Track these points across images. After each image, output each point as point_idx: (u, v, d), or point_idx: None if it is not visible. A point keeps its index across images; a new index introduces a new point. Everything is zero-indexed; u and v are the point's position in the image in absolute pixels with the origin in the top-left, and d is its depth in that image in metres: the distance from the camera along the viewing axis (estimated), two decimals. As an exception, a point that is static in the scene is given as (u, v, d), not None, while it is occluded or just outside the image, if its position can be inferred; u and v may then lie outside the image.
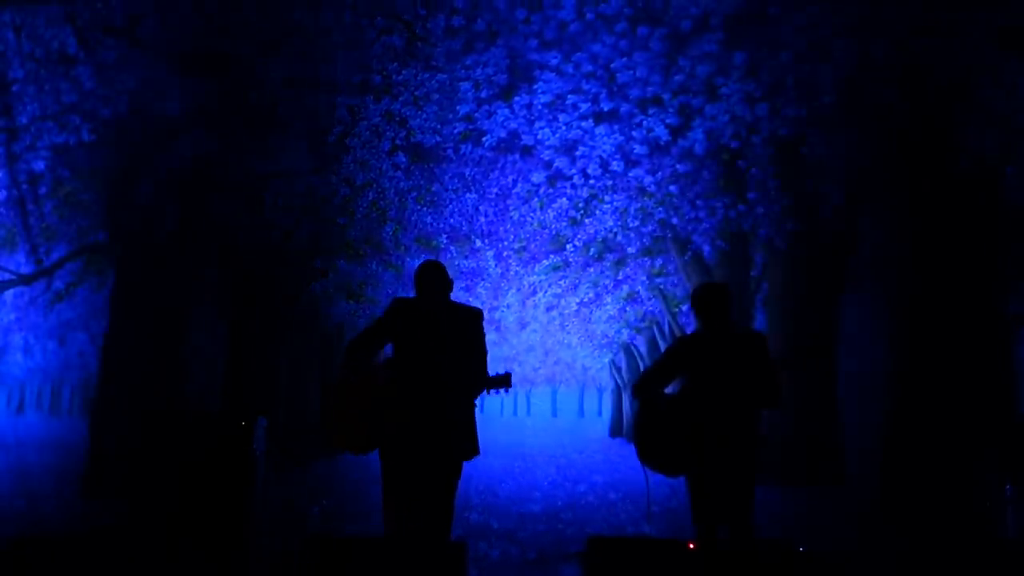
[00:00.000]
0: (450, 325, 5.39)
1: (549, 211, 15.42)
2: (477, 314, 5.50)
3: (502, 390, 5.38)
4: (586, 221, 15.70)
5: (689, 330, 5.11)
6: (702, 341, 5.42)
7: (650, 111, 11.81)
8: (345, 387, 5.31)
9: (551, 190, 14.46)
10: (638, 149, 12.33)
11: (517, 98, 12.23)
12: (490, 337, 5.55)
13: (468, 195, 15.58)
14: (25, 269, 14.63)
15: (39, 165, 12.39)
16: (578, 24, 11.66)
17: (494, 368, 5.42)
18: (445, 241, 17.65)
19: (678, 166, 13.05)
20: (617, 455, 22.40)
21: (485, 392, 5.39)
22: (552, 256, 19.67)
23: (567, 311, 23.13)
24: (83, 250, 14.59)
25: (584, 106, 12.12)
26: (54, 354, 28.72)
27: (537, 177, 14.13)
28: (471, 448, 5.34)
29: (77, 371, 30.20)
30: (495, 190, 15.48)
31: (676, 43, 11.13)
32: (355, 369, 5.34)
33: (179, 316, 13.59)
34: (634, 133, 12.06)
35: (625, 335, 25.30)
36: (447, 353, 5.30)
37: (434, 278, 5.43)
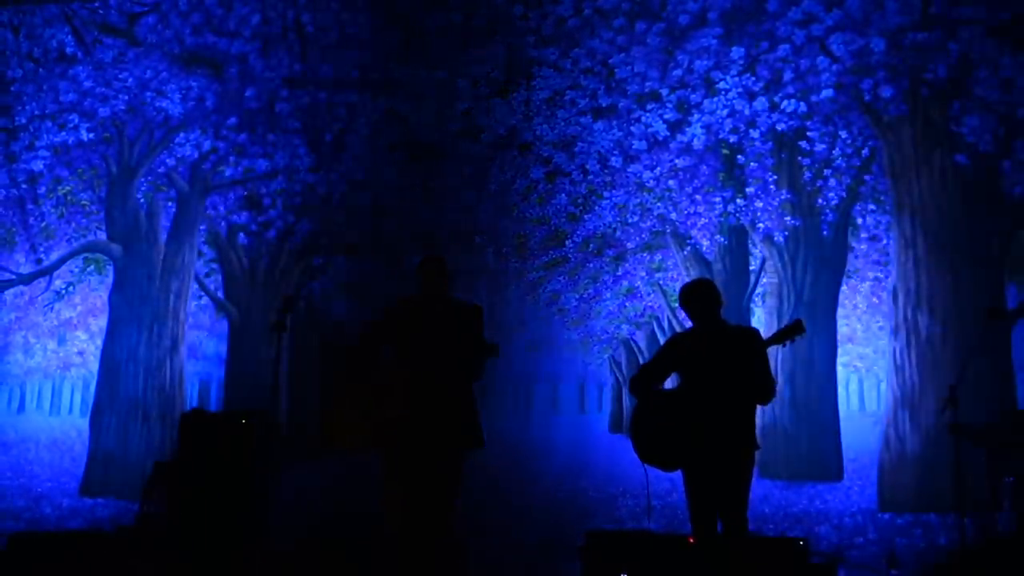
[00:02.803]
0: (450, 321, 5.39)
1: (548, 207, 15.40)
2: (477, 310, 5.51)
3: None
4: (585, 217, 15.68)
5: (689, 325, 5.12)
6: (695, 337, 5.41)
7: (648, 106, 11.80)
8: (344, 387, 5.32)
9: (550, 186, 14.45)
10: (636, 144, 12.32)
11: (515, 94, 12.23)
12: (490, 333, 5.52)
13: (467, 191, 15.56)
14: (24, 269, 14.61)
15: (38, 165, 12.38)
16: (576, 20, 11.67)
17: (492, 363, 5.42)
18: (445, 238, 17.63)
19: (677, 161, 13.04)
20: (617, 450, 22.39)
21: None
22: (551, 252, 19.65)
23: (566, 307, 23.11)
24: (82, 249, 14.57)
25: (582, 102, 12.12)
26: (54, 353, 28.69)
27: (536, 173, 14.11)
28: (475, 439, 5.33)
29: (77, 370, 30.16)
30: (494, 186, 15.47)
31: (674, 38, 11.13)
32: (352, 373, 5.36)
33: (178, 315, 13.60)
34: (632, 128, 12.06)
35: (624, 331, 25.27)
36: (447, 348, 5.29)
37: (434, 272, 5.44)
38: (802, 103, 10.93)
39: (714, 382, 5.21)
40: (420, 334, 5.33)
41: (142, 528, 5.86)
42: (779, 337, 5.28)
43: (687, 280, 6.74)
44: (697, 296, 5.46)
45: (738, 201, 13.57)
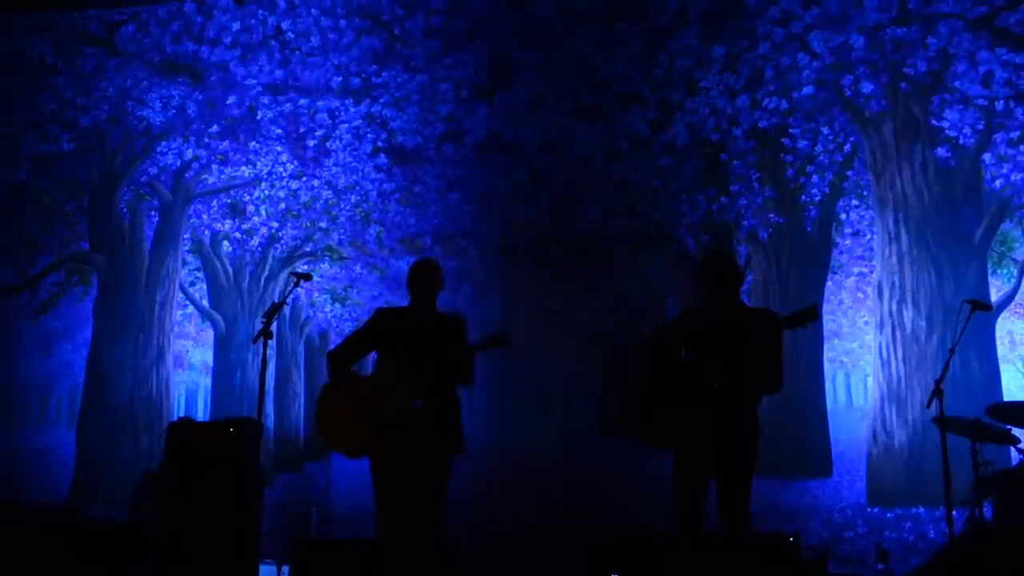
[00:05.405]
0: (434, 334, 5.38)
1: (532, 209, 15.41)
2: (460, 321, 5.50)
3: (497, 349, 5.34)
4: (569, 219, 15.70)
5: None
6: (707, 314, 5.10)
7: (631, 106, 11.83)
8: (333, 392, 5.33)
9: (533, 188, 14.46)
10: (619, 145, 12.34)
11: (498, 97, 12.23)
12: (477, 336, 5.52)
13: (451, 195, 15.54)
14: (8, 280, 14.53)
15: (20, 176, 12.33)
16: (557, 22, 11.68)
17: (478, 368, 5.41)
18: (429, 242, 17.62)
19: (660, 161, 13.08)
20: (606, 451, 22.41)
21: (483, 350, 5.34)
22: (536, 255, 19.64)
23: (553, 309, 23.11)
24: (66, 260, 14.52)
25: (564, 103, 12.14)
26: (40, 365, 28.57)
27: (519, 176, 14.11)
28: (457, 445, 5.32)
29: (64, 381, 30.06)
30: (478, 189, 15.46)
31: (654, 38, 11.17)
32: (338, 376, 5.38)
33: (163, 324, 13.55)
34: (615, 129, 12.08)
35: (611, 332, 25.29)
36: (432, 357, 5.29)
37: (424, 282, 5.43)
38: (783, 100, 10.97)
39: (717, 362, 4.89)
40: (405, 345, 5.34)
41: (134, 538, 5.84)
42: (791, 322, 4.90)
43: (673, 279, 6.65)
44: (709, 273, 5.13)
45: (722, 199, 13.62)
